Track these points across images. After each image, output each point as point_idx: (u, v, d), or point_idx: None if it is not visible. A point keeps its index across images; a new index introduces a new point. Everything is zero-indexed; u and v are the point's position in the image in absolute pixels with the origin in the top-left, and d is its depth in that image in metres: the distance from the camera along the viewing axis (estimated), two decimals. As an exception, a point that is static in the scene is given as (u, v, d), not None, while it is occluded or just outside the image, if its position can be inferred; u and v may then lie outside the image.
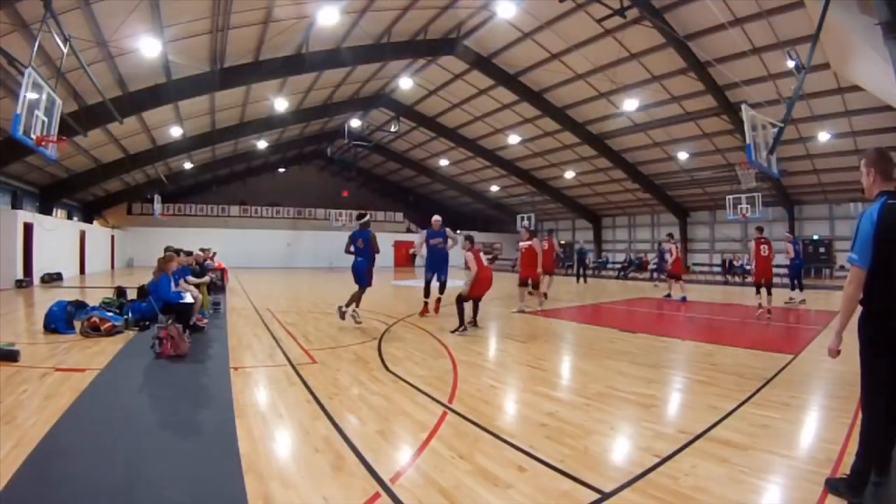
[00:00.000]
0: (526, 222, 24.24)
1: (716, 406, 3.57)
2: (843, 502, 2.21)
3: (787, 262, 11.39)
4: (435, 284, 8.41)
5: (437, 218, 8.67)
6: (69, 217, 21.59)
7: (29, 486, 2.29)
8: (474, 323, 7.00)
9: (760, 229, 9.56)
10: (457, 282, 9.77)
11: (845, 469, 2.47)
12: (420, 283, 8.92)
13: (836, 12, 6.16)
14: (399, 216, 34.93)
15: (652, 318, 9.21)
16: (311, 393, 3.88)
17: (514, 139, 20.88)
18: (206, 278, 8.30)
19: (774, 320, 8.20)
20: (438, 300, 8.46)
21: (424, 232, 8.59)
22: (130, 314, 6.65)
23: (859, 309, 2.26)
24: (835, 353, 2.34)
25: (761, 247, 9.04)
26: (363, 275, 7.29)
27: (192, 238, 19.02)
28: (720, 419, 3.30)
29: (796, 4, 10.43)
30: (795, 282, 11.00)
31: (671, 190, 23.19)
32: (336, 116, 22.32)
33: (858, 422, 3.17)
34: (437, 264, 8.37)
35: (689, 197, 23.58)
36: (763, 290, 8.84)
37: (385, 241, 31.18)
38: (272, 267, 26.34)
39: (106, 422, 3.17)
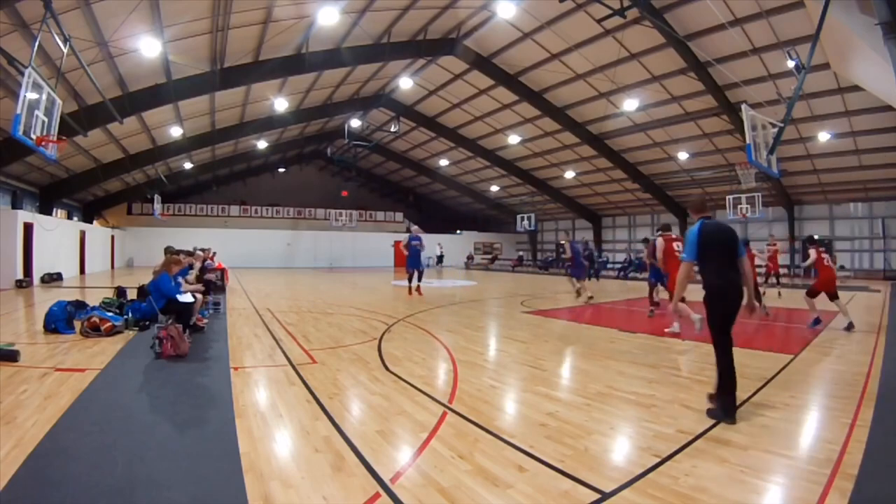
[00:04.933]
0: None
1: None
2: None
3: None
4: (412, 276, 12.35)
5: (417, 227, 13.40)
6: (69, 217, 21.60)
7: (29, 486, 2.29)
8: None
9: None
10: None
11: (845, 469, 2.48)
12: (421, 284, 12.37)
13: (836, 12, 6.16)
14: (399, 216, 34.96)
15: (652, 318, 9.19)
16: (311, 393, 3.88)
17: (514, 139, 20.90)
18: (201, 286, 7.87)
19: (774, 320, 8.22)
20: (419, 287, 12.30)
21: (408, 237, 12.14)
22: (130, 314, 6.66)
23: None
24: (671, 313, 3.25)
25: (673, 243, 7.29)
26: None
27: (192, 238, 19.04)
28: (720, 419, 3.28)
29: (796, 4, 10.45)
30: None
31: (671, 190, 23.19)
32: (336, 116, 22.32)
33: (859, 421, 3.20)
34: (418, 261, 12.12)
35: (690, 197, 23.55)
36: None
37: (385, 241, 31.51)
38: (272, 267, 26.34)
39: (106, 422, 3.17)
